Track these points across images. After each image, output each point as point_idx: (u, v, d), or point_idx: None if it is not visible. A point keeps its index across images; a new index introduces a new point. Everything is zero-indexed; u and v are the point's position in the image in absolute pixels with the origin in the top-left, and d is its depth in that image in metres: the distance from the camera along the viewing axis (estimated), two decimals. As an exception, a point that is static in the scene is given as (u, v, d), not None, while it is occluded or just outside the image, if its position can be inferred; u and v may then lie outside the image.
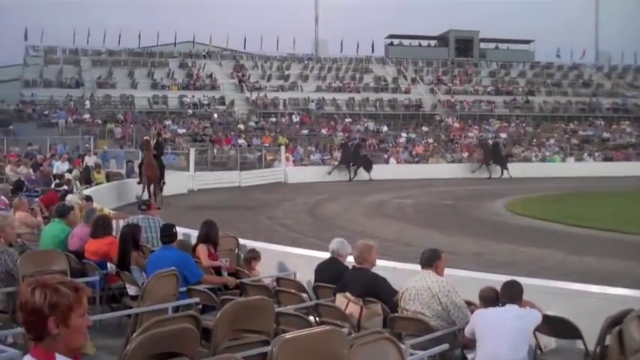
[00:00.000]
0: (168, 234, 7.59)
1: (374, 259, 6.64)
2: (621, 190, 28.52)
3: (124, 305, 7.30)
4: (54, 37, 50.32)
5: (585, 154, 43.66)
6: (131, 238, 7.85)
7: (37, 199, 14.06)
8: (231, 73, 49.26)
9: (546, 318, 5.31)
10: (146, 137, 23.30)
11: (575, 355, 5.46)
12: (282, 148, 36.49)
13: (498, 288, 5.48)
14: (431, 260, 5.95)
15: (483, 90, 52.82)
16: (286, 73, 50.82)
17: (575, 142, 45.80)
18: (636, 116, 51.03)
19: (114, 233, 8.73)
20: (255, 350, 4.79)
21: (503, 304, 5.23)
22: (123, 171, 26.64)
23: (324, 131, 42.65)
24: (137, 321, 5.82)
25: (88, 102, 41.15)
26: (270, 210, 22.27)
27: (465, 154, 41.34)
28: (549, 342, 5.78)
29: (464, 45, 59.35)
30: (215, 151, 36.97)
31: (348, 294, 6.20)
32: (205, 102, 44.05)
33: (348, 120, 45.27)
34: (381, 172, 36.35)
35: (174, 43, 54.21)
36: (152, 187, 21.12)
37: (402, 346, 4.33)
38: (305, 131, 42.62)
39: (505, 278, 5.74)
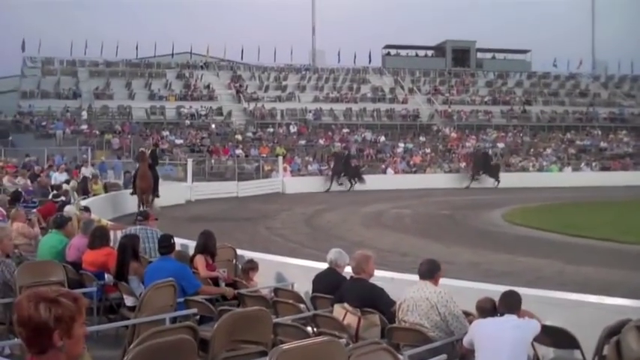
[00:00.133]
0: (166, 245, 7.58)
1: (372, 270, 6.62)
2: (619, 199, 28.56)
3: (122, 316, 7.28)
4: (51, 49, 50.41)
5: (582, 164, 43.78)
6: (130, 248, 7.84)
7: (34, 210, 14.03)
8: (228, 84, 49.35)
9: (544, 328, 5.29)
10: (142, 149, 23.23)
11: (573, 366, 5.45)
12: (280, 158, 36.57)
13: (496, 298, 5.47)
14: (432, 272, 5.94)
15: (480, 100, 52.96)
16: (284, 83, 50.92)
17: (572, 152, 45.91)
18: (633, 126, 51.18)
19: (111, 244, 8.71)
20: (253, 361, 4.78)
21: (502, 314, 5.22)
22: (120, 182, 26.63)
23: (321, 141, 42.72)
24: (135, 332, 5.82)
25: (85, 113, 41.16)
26: (267, 220, 22.26)
27: (463, 164, 41.41)
28: (547, 352, 5.77)
29: (461, 55, 59.60)
30: (213, 161, 37.00)
31: (345, 304, 6.19)
32: (203, 112, 44.09)
33: (345, 130, 45.33)
34: (378, 182, 36.45)
35: (172, 54, 54.33)
36: (144, 197, 20.90)
37: (400, 356, 4.33)
38: (302, 142, 42.68)
39: (503, 288, 5.73)
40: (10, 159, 28.83)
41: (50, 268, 7.38)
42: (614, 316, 5.23)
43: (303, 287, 7.67)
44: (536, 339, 5.31)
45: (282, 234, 18.93)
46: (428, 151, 43.70)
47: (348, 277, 6.76)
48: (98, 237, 8.27)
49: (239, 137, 41.27)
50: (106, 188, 23.92)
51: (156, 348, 4.18)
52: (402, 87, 53.39)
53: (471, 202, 28.56)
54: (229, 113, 44.89)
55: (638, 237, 16.53)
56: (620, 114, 52.92)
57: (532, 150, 45.66)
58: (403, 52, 59.55)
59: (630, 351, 4.64)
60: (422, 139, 45.97)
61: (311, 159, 39.55)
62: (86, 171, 24.87)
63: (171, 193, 26.71)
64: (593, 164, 43.86)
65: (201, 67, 51.79)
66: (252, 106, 46.26)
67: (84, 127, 38.90)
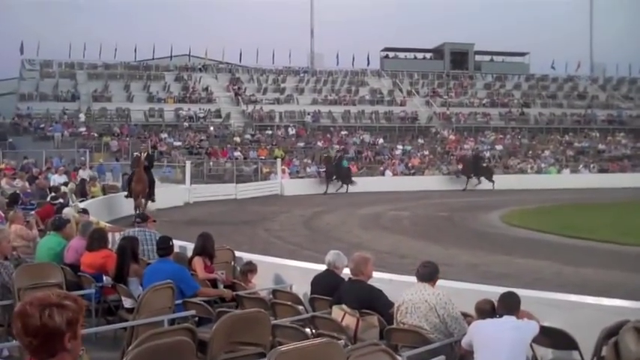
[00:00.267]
0: (164, 247, 7.58)
1: (370, 271, 6.63)
2: (617, 201, 28.58)
3: (120, 318, 7.27)
4: (50, 51, 50.50)
5: (581, 166, 43.80)
6: (130, 250, 7.84)
7: (32, 212, 14.02)
8: (227, 86, 49.35)
9: (543, 329, 5.30)
10: (136, 154, 23.10)
11: (571, 367, 5.45)
12: (279, 160, 36.56)
13: (494, 299, 5.47)
14: (432, 275, 5.95)
15: (479, 102, 52.99)
16: (282, 86, 50.92)
17: (570, 154, 45.93)
18: (631, 128, 51.22)
19: (110, 246, 8.71)
20: (252, 363, 4.78)
21: (501, 316, 5.22)
22: (119, 184, 26.60)
23: (320, 144, 42.70)
24: (133, 334, 5.81)
25: (83, 115, 41.13)
26: (266, 222, 22.26)
27: (460, 166, 41.39)
28: (546, 353, 5.78)
29: (459, 57, 59.66)
30: (211, 163, 36.97)
31: (344, 306, 6.19)
32: (201, 115, 44.07)
33: (344, 132, 45.33)
34: (377, 184, 36.48)
35: (170, 57, 54.34)
36: (139, 201, 20.81)
37: (399, 358, 4.33)
38: (301, 144, 42.66)
39: (501, 290, 5.73)
40: (8, 161, 28.81)
41: (48, 270, 7.37)
42: (612, 317, 5.23)
43: (302, 289, 7.68)
44: (535, 340, 5.32)
45: (281, 236, 18.94)
46: (426, 153, 43.71)
47: (346, 279, 6.77)
48: (96, 239, 8.27)
49: (237, 139, 41.26)
50: (105, 190, 23.90)
51: (154, 350, 4.18)
52: (401, 89, 53.42)
53: (469, 204, 28.57)
54: (228, 115, 44.87)
55: (637, 238, 16.55)
56: (618, 116, 52.98)
57: (530, 152, 45.68)
58: (401, 55, 59.57)
59: (628, 352, 4.65)
60: (420, 141, 45.98)
61: (309, 161, 39.54)
62: (84, 173, 24.85)
63: (169, 195, 26.74)
64: (592, 166, 43.88)
65: (200, 70, 51.80)
66: (250, 108, 46.24)
67: (82, 129, 38.84)
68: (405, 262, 13.31)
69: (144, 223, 9.92)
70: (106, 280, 7.87)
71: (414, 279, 6.13)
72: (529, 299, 5.84)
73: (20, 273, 6.87)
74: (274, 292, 7.79)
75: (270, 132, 43.90)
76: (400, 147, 44.09)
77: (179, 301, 6.75)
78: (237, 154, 38.50)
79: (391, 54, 58.90)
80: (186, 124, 42.82)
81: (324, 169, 36.62)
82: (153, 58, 53.49)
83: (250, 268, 8.53)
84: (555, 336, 5.48)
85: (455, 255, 15.10)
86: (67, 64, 49.49)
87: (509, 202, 28.83)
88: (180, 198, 28.50)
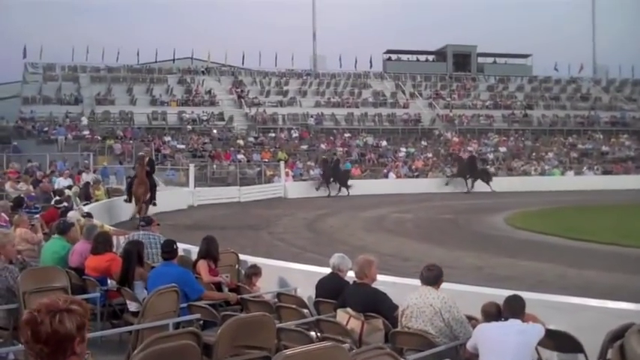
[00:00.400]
0: (169, 250, 7.58)
1: (374, 274, 6.63)
2: (621, 203, 28.52)
3: (125, 322, 7.29)
4: (53, 55, 50.75)
5: (584, 168, 43.72)
6: (135, 254, 7.84)
7: (37, 216, 14.04)
8: (230, 89, 49.41)
9: (548, 332, 5.30)
10: (141, 153, 22.95)
11: (577, 370, 5.45)
12: (282, 163, 36.58)
13: (499, 302, 5.48)
14: (437, 278, 5.96)
15: (482, 104, 52.98)
16: (285, 88, 50.97)
17: (574, 156, 45.88)
18: (635, 129, 51.18)
19: (114, 250, 8.73)
20: (257, 366, 4.79)
21: (506, 319, 5.23)
22: (123, 187, 26.59)
23: (323, 146, 42.70)
24: (138, 337, 5.82)
25: (85, 119, 41.21)
26: (270, 225, 22.24)
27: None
28: (551, 356, 5.77)
29: (462, 59, 59.65)
30: (214, 166, 36.97)
31: (349, 309, 6.19)
32: (204, 118, 44.13)
33: (347, 135, 45.35)
34: (380, 186, 36.48)
35: (173, 60, 54.49)
36: (139, 205, 20.64)
37: (404, 361, 4.33)
38: (304, 146, 42.69)
39: (505, 293, 5.74)
40: (12, 165, 28.83)
41: (53, 274, 7.36)
42: (616, 320, 5.22)
43: (306, 292, 7.68)
44: (540, 343, 5.32)
45: (285, 239, 18.93)
46: (430, 155, 43.67)
47: (350, 282, 6.77)
48: (101, 243, 8.28)
49: (241, 142, 41.28)
50: (109, 194, 23.92)
51: (159, 353, 4.19)
52: (404, 92, 53.45)
53: (474, 207, 28.53)
54: (231, 118, 44.91)
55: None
56: (621, 118, 52.95)
57: (534, 154, 45.60)
58: (404, 57, 59.65)
59: (635, 355, 4.63)
60: (423, 143, 45.97)
61: (313, 164, 39.52)
62: (87, 176, 24.88)
63: (173, 198, 26.77)
64: (595, 168, 43.79)
65: (203, 73, 51.90)
66: (253, 111, 46.30)
67: (86, 132, 38.92)
68: (408, 265, 13.30)
69: (148, 227, 9.93)
70: (111, 283, 7.89)
71: (417, 282, 6.13)
72: (533, 302, 5.84)
73: (25, 277, 6.87)
74: (279, 295, 7.80)
75: (273, 135, 43.93)
76: (403, 149, 44.09)
77: (184, 305, 6.76)
78: (240, 156, 38.50)
79: (394, 56, 58.94)
80: (189, 127, 42.84)
81: (321, 172, 36.59)
82: (156, 61, 53.60)
83: (255, 272, 8.54)
84: (560, 339, 5.48)
85: (459, 257, 15.08)
86: (70, 68, 49.66)
87: (513, 204, 28.77)
88: (184, 201, 28.51)
